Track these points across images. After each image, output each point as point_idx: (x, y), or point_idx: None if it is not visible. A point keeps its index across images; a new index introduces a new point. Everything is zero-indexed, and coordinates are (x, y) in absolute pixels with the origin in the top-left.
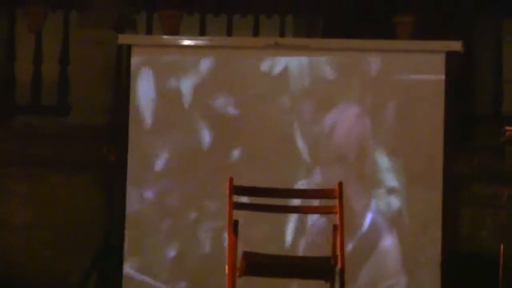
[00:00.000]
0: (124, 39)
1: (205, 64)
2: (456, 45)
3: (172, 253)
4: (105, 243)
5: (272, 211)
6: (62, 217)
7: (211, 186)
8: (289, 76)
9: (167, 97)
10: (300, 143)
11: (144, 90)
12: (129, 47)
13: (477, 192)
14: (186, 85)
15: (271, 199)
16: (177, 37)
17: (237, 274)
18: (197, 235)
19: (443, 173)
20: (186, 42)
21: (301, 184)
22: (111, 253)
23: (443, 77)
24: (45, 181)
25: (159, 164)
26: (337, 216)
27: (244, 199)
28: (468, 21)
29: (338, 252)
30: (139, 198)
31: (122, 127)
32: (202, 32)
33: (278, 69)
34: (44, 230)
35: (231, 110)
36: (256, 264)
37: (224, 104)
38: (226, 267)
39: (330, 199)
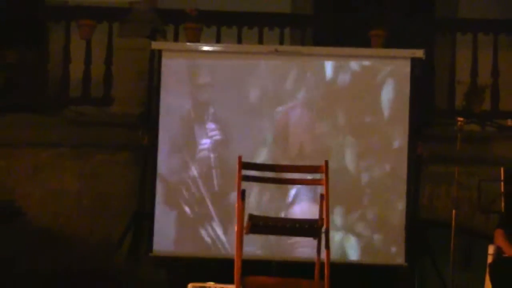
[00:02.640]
0: (156, 45)
1: None
2: (419, 53)
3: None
4: (139, 209)
5: (271, 183)
6: (105, 188)
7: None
8: None
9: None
10: None
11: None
12: (160, 52)
13: (434, 171)
14: None
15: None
16: (198, 44)
17: (244, 232)
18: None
19: (408, 155)
20: (205, 48)
21: None
22: (144, 218)
23: (408, 78)
24: (91, 159)
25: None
26: (324, 187)
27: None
28: (429, 36)
29: (324, 216)
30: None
31: (154, 116)
32: (217, 40)
33: None
34: (90, 198)
35: None
36: (259, 224)
37: None
38: (236, 227)
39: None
